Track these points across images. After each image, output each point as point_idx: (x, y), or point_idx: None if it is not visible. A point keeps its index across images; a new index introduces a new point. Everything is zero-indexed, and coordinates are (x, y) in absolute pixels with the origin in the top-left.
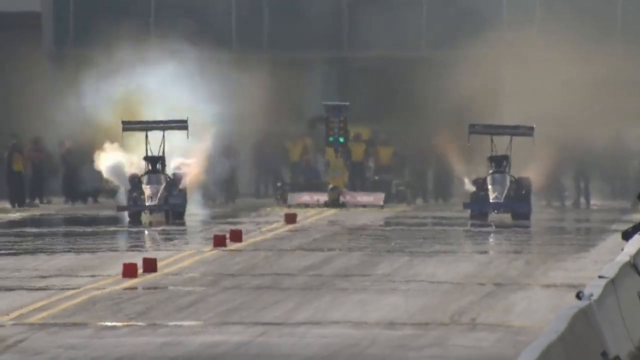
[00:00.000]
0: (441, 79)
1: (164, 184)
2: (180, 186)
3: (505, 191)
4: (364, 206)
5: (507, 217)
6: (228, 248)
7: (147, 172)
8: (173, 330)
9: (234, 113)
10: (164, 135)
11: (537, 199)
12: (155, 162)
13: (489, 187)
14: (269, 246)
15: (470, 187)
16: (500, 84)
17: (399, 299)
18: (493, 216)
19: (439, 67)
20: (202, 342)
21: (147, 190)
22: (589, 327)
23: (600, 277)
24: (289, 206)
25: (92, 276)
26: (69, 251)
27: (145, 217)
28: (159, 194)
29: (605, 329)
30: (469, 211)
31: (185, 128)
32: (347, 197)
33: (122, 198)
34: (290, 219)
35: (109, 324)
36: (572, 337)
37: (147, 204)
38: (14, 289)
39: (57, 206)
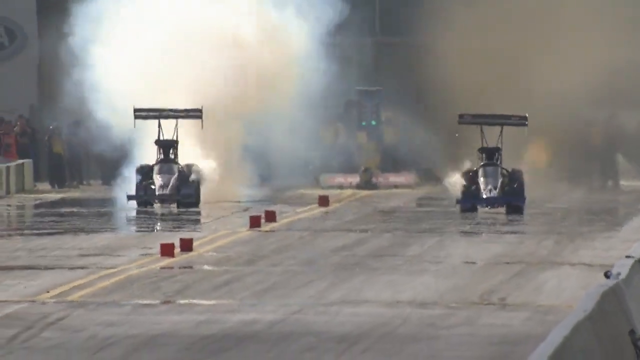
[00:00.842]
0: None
1: (176, 174)
2: (193, 177)
3: (499, 183)
4: (396, 187)
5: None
6: (263, 229)
7: (159, 162)
8: (209, 309)
9: None
10: (177, 124)
11: (562, 180)
12: (168, 149)
13: (481, 180)
14: (303, 227)
15: (455, 183)
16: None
17: (430, 279)
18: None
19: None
20: (238, 320)
21: (158, 179)
22: (617, 306)
23: (627, 256)
24: (322, 188)
25: (130, 255)
26: (107, 231)
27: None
28: (170, 184)
29: (633, 307)
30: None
31: (200, 117)
32: (379, 178)
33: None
34: (324, 200)
35: (146, 302)
36: (601, 316)
37: (157, 194)
38: (54, 268)
39: (95, 188)
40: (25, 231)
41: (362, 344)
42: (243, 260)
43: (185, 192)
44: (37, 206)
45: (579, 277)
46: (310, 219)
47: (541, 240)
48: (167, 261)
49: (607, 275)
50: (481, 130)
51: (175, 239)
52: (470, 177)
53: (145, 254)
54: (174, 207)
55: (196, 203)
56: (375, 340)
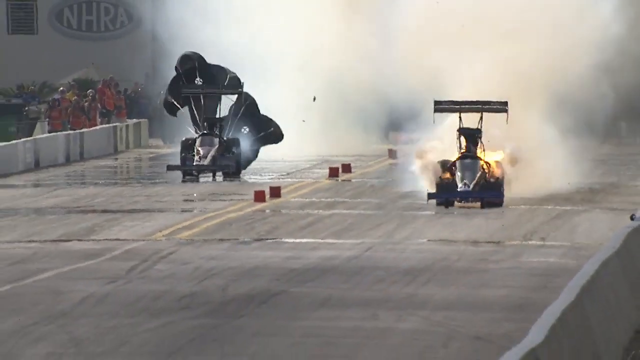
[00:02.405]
0: None
1: (216, 146)
2: (235, 150)
3: (476, 178)
4: None
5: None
6: (340, 178)
7: (201, 135)
8: (295, 246)
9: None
10: (220, 100)
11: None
12: (213, 125)
13: (458, 173)
14: (375, 177)
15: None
16: None
17: (481, 221)
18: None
19: None
20: (319, 256)
21: (199, 151)
22: None
23: None
24: (391, 144)
25: (229, 200)
26: (210, 180)
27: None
28: (209, 155)
29: None
30: None
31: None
32: None
33: None
34: (392, 154)
35: (243, 240)
36: (626, 252)
37: (195, 164)
38: (165, 211)
39: None
40: (142, 180)
41: (424, 276)
42: (323, 205)
43: (223, 162)
44: (151, 159)
45: (608, 220)
46: (381, 170)
47: (577, 187)
48: (259, 206)
49: (632, 217)
50: (459, 118)
51: (265, 187)
52: (449, 169)
53: (241, 200)
54: (219, 176)
55: (236, 173)
56: (435, 273)
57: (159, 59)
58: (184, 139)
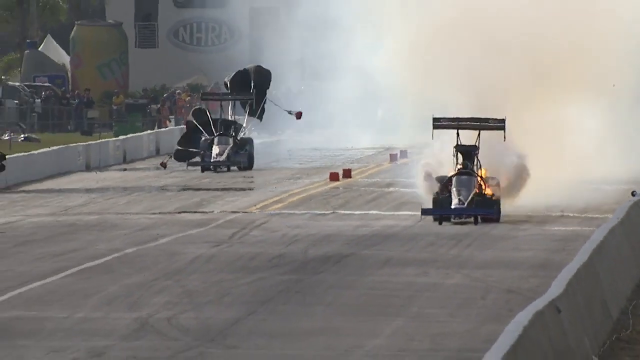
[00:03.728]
0: None
1: (230, 145)
2: (247, 147)
3: (471, 195)
4: None
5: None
6: (399, 162)
7: (217, 135)
8: (363, 217)
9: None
10: (234, 105)
11: None
12: (228, 126)
13: (454, 190)
14: None
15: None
16: None
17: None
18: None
19: None
20: (382, 224)
21: (215, 149)
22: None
23: None
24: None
25: (309, 180)
26: (295, 165)
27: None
28: (225, 152)
29: None
30: None
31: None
32: None
33: None
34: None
35: (320, 212)
36: (629, 221)
37: (212, 160)
38: (258, 189)
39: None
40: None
41: (467, 241)
42: (385, 183)
43: (236, 159)
44: None
45: (615, 194)
46: None
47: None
48: (334, 184)
49: (633, 193)
50: (457, 135)
51: (339, 169)
52: (445, 185)
53: (320, 180)
54: (234, 169)
55: (248, 167)
56: (475, 238)
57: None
58: (203, 139)
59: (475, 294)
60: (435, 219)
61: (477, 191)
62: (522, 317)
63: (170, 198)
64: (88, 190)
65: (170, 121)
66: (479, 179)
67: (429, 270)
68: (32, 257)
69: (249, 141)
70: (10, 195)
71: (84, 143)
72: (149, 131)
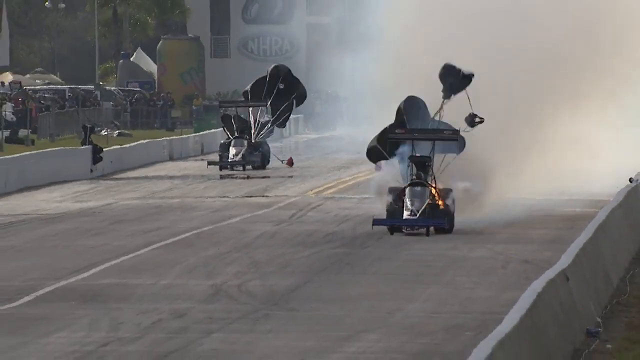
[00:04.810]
0: None
1: (245, 146)
2: (261, 148)
3: (423, 206)
4: None
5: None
6: None
7: (234, 138)
8: None
9: None
10: (249, 111)
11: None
12: (244, 130)
13: (406, 200)
14: None
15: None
16: None
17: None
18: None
19: None
20: None
21: (232, 150)
22: (637, 199)
23: None
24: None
25: (357, 170)
26: (345, 157)
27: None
28: (240, 153)
29: None
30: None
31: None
32: None
33: None
34: None
35: (366, 196)
36: (627, 204)
37: (229, 160)
38: (314, 177)
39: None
40: (300, 156)
41: (488, 221)
42: None
43: (250, 159)
44: (305, 142)
45: (615, 181)
46: None
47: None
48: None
49: (630, 180)
50: (412, 147)
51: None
52: (397, 195)
53: (366, 169)
54: (249, 169)
55: (262, 167)
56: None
57: (311, 74)
58: (222, 141)
59: (497, 265)
60: (388, 229)
61: (430, 202)
62: (537, 285)
63: (240, 184)
64: (171, 178)
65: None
66: (432, 189)
67: (457, 245)
68: (125, 233)
69: (262, 143)
70: (106, 182)
71: (168, 138)
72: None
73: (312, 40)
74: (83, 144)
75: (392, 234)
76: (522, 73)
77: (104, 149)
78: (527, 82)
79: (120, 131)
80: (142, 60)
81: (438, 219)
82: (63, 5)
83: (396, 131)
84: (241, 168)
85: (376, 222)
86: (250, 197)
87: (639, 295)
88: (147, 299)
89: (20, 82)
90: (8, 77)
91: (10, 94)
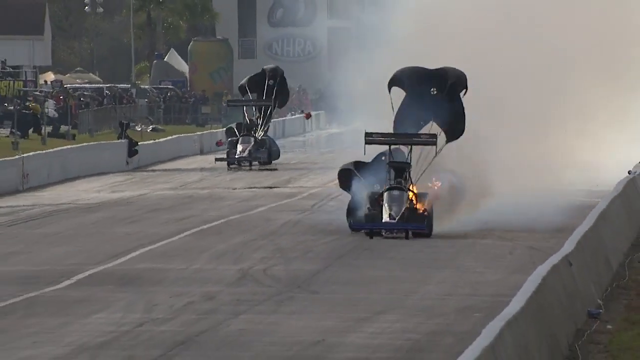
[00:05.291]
0: None
1: (252, 143)
2: (267, 146)
3: (402, 210)
4: None
5: None
6: None
7: (242, 135)
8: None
9: None
10: (255, 109)
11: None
12: (251, 128)
13: (385, 205)
14: None
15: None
16: None
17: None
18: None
19: None
20: None
21: (239, 147)
22: (634, 189)
23: (639, 162)
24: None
25: None
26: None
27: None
28: (247, 150)
29: None
30: None
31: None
32: None
33: None
34: None
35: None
36: (625, 194)
37: (236, 156)
38: (334, 168)
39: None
40: (321, 149)
41: (498, 211)
42: None
43: (256, 155)
44: (327, 137)
45: (615, 173)
46: None
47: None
48: None
49: (629, 172)
50: (389, 150)
51: None
52: (376, 200)
53: None
54: (255, 165)
55: (267, 162)
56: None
57: (333, 74)
58: (229, 139)
59: (505, 251)
60: (366, 234)
61: (408, 206)
62: (542, 269)
63: (266, 176)
64: (201, 170)
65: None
66: (410, 194)
67: (468, 232)
68: (159, 221)
69: (267, 141)
70: (141, 173)
71: (199, 132)
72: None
73: (333, 41)
74: (119, 138)
75: (371, 238)
76: (531, 77)
77: (139, 143)
78: (537, 83)
79: (154, 126)
80: (175, 60)
81: (417, 223)
82: (101, 10)
83: (372, 134)
84: (248, 164)
85: (355, 226)
86: (275, 187)
87: (638, 279)
88: (179, 283)
89: (61, 81)
90: (50, 77)
91: (53, 92)
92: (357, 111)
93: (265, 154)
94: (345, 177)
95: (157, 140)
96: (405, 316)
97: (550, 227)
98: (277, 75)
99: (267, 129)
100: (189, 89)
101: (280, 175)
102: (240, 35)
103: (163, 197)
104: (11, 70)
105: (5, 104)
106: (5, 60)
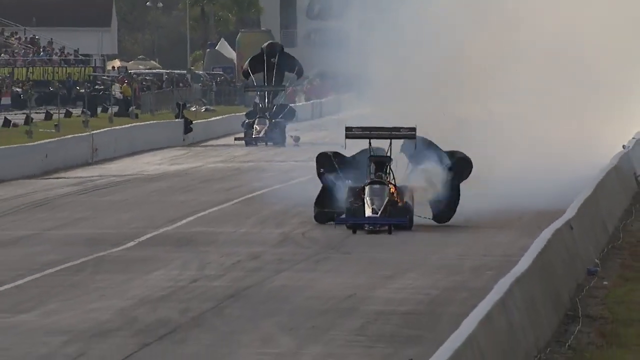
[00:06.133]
0: None
1: (267, 125)
2: (280, 126)
3: (384, 204)
4: None
5: None
6: None
7: (258, 117)
8: None
9: None
10: (266, 93)
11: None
12: (266, 110)
13: (367, 199)
14: None
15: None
16: None
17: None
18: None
19: None
20: None
21: (256, 128)
22: (629, 163)
23: (633, 137)
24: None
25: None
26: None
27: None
28: (262, 131)
29: (636, 163)
30: None
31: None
32: None
33: None
34: None
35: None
36: (620, 166)
37: (253, 137)
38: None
39: None
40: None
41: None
42: None
43: (272, 135)
44: (359, 117)
45: (611, 148)
46: None
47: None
48: None
49: (623, 146)
50: (369, 144)
51: None
52: (358, 194)
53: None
54: (270, 144)
55: (281, 143)
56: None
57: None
58: (246, 121)
59: (515, 216)
60: (348, 228)
61: (390, 200)
62: (546, 233)
63: (306, 151)
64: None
65: (303, 99)
66: (391, 188)
67: (482, 199)
68: (211, 190)
69: (281, 123)
70: (195, 148)
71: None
72: (291, 104)
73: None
74: (177, 117)
75: (354, 232)
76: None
77: (194, 122)
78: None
79: (206, 107)
80: (225, 49)
81: (400, 217)
82: (161, 5)
83: (353, 128)
84: (264, 144)
85: (338, 221)
86: (312, 161)
87: (631, 241)
88: (228, 244)
89: (126, 67)
90: (116, 63)
91: (118, 77)
92: (382, 94)
93: (279, 135)
94: (323, 163)
95: (209, 119)
96: (425, 274)
97: (555, 193)
98: (276, 51)
99: (293, 113)
100: (236, 74)
101: (317, 149)
102: (282, 27)
103: (214, 169)
104: (82, 58)
105: (77, 87)
106: (78, 49)
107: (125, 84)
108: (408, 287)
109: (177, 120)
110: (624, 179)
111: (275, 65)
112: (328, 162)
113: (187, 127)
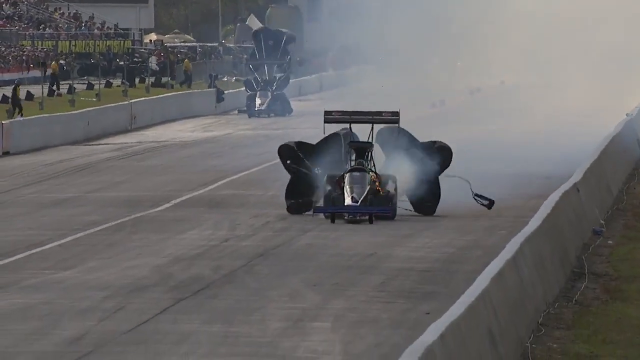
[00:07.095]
0: None
1: (269, 97)
2: (281, 98)
3: (365, 193)
4: None
5: None
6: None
7: (260, 89)
8: None
9: None
10: (266, 67)
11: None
12: (267, 83)
13: (347, 187)
14: None
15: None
16: None
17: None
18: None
19: None
20: None
21: (258, 100)
22: (632, 129)
23: (636, 106)
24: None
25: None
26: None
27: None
28: (265, 103)
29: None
30: None
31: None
32: None
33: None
34: None
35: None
36: (623, 133)
37: (256, 109)
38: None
39: None
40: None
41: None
42: None
43: (273, 107)
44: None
45: (614, 116)
46: None
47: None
48: None
49: (627, 115)
50: (350, 128)
51: None
52: (337, 182)
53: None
54: (272, 115)
55: (282, 114)
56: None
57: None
58: (249, 93)
59: (524, 180)
60: (326, 217)
61: (371, 188)
62: (555, 195)
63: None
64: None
65: (329, 69)
66: (373, 175)
67: (493, 164)
68: (241, 156)
69: (282, 95)
70: (226, 116)
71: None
72: (314, 75)
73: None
74: (209, 87)
75: (332, 221)
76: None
77: (225, 92)
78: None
79: (237, 78)
80: (254, 23)
81: (382, 207)
82: None
83: (332, 112)
84: (266, 116)
85: (317, 209)
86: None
87: (634, 203)
88: (257, 206)
89: (162, 41)
90: (153, 37)
91: (155, 50)
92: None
93: (280, 107)
94: (287, 155)
95: (239, 90)
96: (441, 234)
97: (563, 158)
98: (260, 34)
99: (287, 80)
100: None
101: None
102: (308, 3)
103: (244, 136)
104: (121, 31)
105: (117, 60)
106: (117, 24)
107: (186, 60)
108: (425, 246)
109: (209, 90)
110: (627, 145)
111: (267, 44)
112: (292, 153)
113: (219, 97)
